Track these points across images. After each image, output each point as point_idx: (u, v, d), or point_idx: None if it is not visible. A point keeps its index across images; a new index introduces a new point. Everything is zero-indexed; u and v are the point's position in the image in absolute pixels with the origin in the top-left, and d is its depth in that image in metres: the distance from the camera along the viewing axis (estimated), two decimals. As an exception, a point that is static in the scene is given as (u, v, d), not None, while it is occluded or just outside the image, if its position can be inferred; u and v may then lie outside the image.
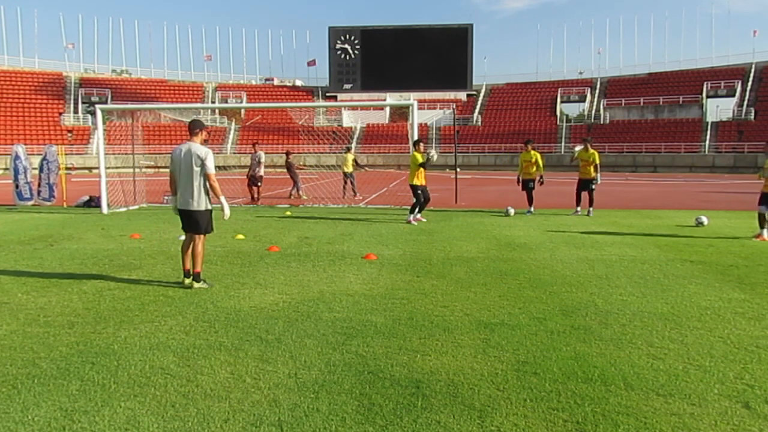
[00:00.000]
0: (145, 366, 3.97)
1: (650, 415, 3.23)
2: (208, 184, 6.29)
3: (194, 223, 6.38)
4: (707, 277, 6.77)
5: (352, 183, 18.88)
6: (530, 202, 14.10)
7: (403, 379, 3.72)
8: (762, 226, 9.97)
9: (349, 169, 18.95)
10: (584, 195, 13.68)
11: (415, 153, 12.22)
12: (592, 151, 13.55)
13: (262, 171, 17.23)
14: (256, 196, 17.09)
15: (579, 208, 13.79)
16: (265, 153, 18.45)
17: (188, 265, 6.38)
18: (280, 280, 6.63)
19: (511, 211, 13.51)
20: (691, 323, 4.95)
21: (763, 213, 9.90)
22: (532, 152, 14.07)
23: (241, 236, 10.09)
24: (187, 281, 6.31)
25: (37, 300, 5.74)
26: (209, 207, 6.40)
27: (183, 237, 9.89)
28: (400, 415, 3.23)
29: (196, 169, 6.22)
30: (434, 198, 18.64)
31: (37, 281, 6.58)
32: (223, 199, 6.37)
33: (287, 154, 19.07)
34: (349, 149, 20.04)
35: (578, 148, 14.25)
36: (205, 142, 6.48)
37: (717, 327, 4.84)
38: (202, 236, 6.45)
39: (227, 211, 6.46)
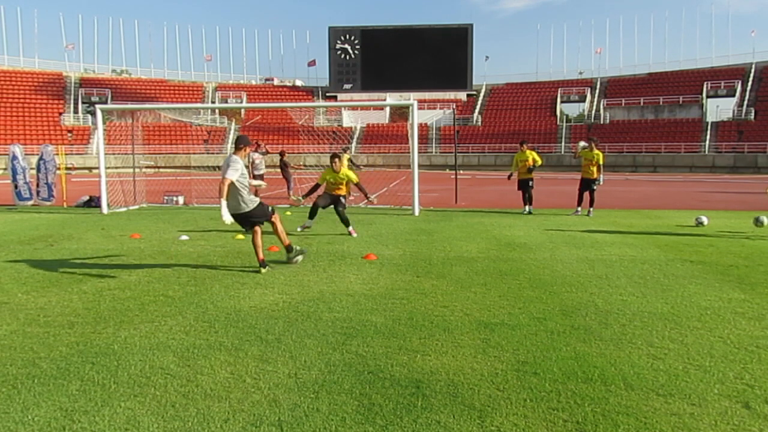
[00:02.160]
0: (145, 366, 3.97)
1: (650, 415, 3.23)
2: (225, 186, 6.74)
3: (255, 217, 7.08)
4: (707, 277, 6.77)
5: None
6: (530, 201, 14.12)
7: (403, 379, 3.72)
8: None
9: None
10: (585, 195, 13.71)
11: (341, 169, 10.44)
12: (596, 151, 13.58)
13: (259, 171, 17.19)
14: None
15: (579, 208, 13.80)
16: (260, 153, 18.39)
17: (262, 255, 7.08)
18: (280, 280, 6.63)
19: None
20: (691, 323, 4.95)
21: None
22: (527, 152, 14.11)
23: (241, 236, 10.08)
24: (264, 270, 6.96)
25: (37, 300, 5.74)
26: (255, 203, 7.07)
27: (184, 237, 9.96)
28: (400, 415, 3.23)
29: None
30: (434, 198, 18.71)
31: (37, 281, 6.57)
32: (223, 202, 6.73)
33: (281, 154, 19.08)
34: (345, 150, 20.15)
35: (582, 144, 14.22)
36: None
37: (717, 327, 4.84)
38: (275, 219, 7.24)
39: (225, 217, 6.75)
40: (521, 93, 60.09)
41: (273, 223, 7.28)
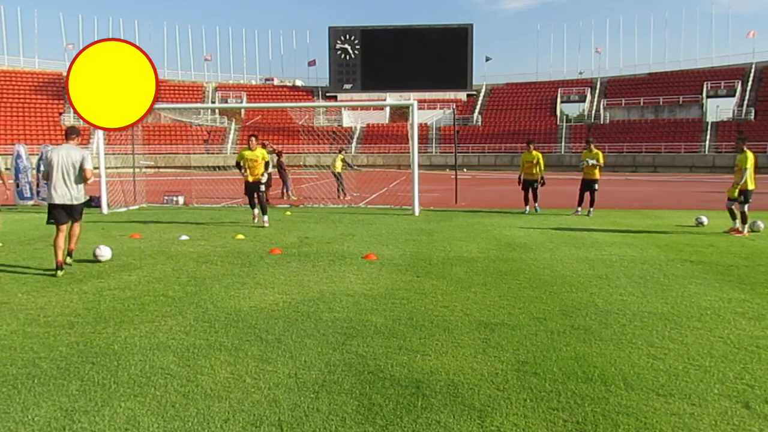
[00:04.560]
0: (145, 366, 3.97)
1: (650, 415, 3.23)
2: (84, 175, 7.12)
3: (78, 212, 7.30)
4: (707, 277, 6.77)
5: (341, 183, 19.15)
6: (535, 199, 14.20)
7: (403, 379, 3.72)
8: (734, 218, 10.67)
9: (338, 169, 19.40)
10: (585, 195, 13.72)
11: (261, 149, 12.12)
12: (596, 151, 13.62)
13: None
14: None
15: (579, 208, 13.81)
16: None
17: (61, 258, 6.91)
18: (280, 280, 6.64)
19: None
20: (691, 323, 4.95)
21: (729, 207, 10.72)
22: (534, 152, 14.09)
23: (241, 236, 10.09)
24: (60, 273, 6.81)
25: (37, 300, 5.74)
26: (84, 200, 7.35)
27: (184, 237, 9.97)
28: (400, 415, 3.23)
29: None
30: (434, 198, 18.72)
31: (37, 281, 6.58)
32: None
33: (279, 154, 19.12)
34: (341, 151, 20.44)
35: (590, 162, 14.01)
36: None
37: (717, 327, 4.84)
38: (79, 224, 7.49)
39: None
40: (521, 93, 60.09)
41: (77, 225, 7.39)
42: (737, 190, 10.40)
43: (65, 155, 7.04)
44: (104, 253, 7.78)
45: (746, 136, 12.03)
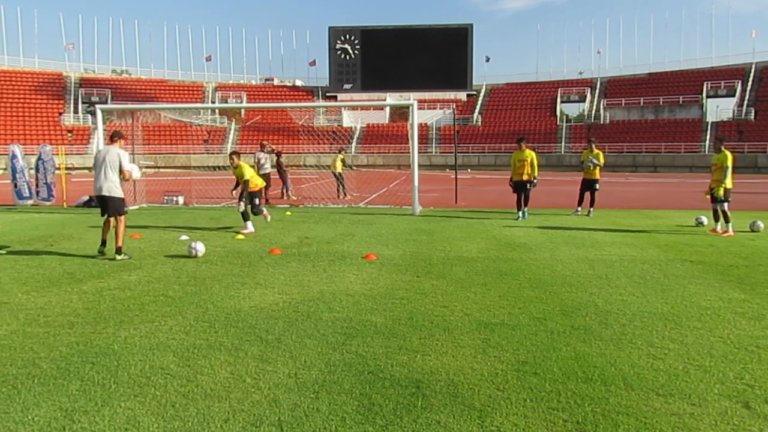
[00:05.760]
0: (145, 366, 3.97)
1: (650, 415, 3.23)
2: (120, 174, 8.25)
3: (112, 207, 8.21)
4: (707, 277, 6.77)
5: (341, 183, 19.19)
6: (526, 203, 12.98)
7: (403, 379, 3.72)
8: (717, 220, 10.72)
9: (338, 169, 19.51)
10: (586, 195, 13.72)
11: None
12: (597, 151, 13.60)
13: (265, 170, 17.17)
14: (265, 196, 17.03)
15: (579, 208, 13.79)
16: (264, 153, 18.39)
17: (120, 242, 8.08)
18: (280, 280, 6.64)
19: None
20: (691, 323, 4.95)
21: (715, 208, 10.77)
22: (527, 151, 12.84)
23: (241, 236, 10.10)
24: (105, 249, 8.10)
25: (37, 300, 5.74)
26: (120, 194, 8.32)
27: (184, 237, 9.98)
28: (400, 415, 3.23)
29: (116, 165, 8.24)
30: (434, 198, 18.72)
31: (37, 281, 6.57)
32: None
33: (278, 154, 19.14)
34: (341, 151, 20.55)
35: (592, 160, 13.84)
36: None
37: (717, 327, 4.84)
38: (122, 219, 8.29)
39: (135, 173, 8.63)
40: (521, 93, 60.06)
41: (119, 221, 8.21)
42: (723, 189, 10.48)
43: (105, 153, 8.25)
44: (199, 248, 8.24)
45: (724, 137, 12.22)
